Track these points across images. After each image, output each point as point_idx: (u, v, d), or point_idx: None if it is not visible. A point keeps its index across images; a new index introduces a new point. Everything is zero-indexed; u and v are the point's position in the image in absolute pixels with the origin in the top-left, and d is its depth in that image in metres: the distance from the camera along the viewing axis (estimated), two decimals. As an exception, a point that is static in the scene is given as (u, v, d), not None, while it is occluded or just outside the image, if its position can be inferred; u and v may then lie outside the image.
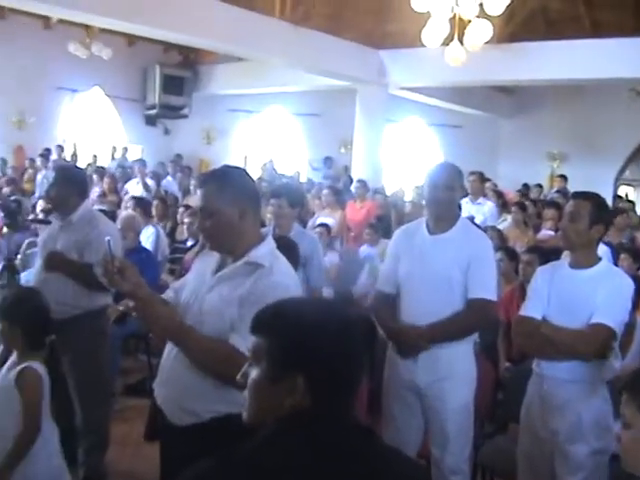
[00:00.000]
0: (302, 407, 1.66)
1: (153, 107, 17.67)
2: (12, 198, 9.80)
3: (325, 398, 1.67)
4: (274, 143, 19.19)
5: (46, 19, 15.19)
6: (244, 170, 3.00)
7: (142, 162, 13.40)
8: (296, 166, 17.93)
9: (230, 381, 2.54)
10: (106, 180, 12.01)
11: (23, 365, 3.32)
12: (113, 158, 16.16)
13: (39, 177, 12.75)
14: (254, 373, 1.74)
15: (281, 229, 5.01)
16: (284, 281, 2.74)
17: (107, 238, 2.75)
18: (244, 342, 2.46)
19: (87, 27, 13.87)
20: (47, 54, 15.13)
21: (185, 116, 18.08)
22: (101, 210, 6.10)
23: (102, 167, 13.86)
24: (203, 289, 2.83)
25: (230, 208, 2.75)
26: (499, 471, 4.24)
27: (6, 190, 11.22)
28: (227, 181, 2.81)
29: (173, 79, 17.48)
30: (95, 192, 11.13)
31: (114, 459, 4.81)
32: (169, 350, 2.89)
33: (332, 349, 1.67)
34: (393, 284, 3.92)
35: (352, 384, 1.74)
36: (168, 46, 17.06)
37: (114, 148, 16.59)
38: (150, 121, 18.23)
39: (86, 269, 4.31)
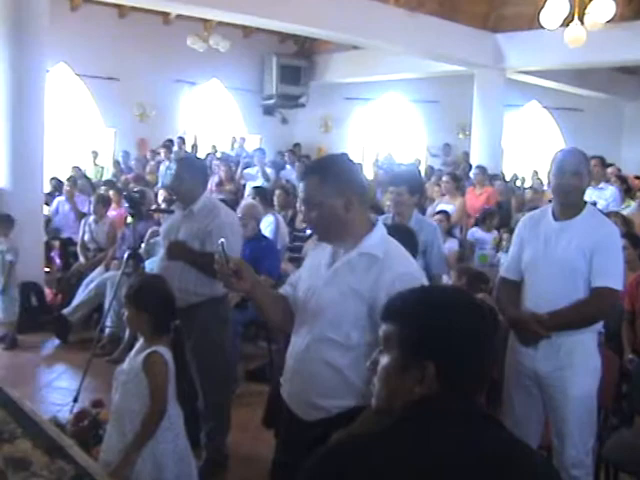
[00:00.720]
0: (431, 394, 1.66)
1: (271, 97, 17.86)
2: (136, 189, 10.14)
3: (454, 386, 1.67)
4: (392, 130, 19.15)
5: (165, 15, 15.63)
6: (348, 158, 2.94)
7: (261, 151, 13.59)
8: (415, 153, 17.84)
9: None
10: (223, 169, 12.28)
11: (150, 350, 3.42)
12: (232, 148, 16.45)
13: (162, 168, 13.13)
14: (384, 360, 1.75)
15: (401, 217, 5.00)
16: (407, 271, 2.70)
17: (220, 240, 2.73)
18: None
19: (204, 21, 14.19)
20: (167, 49, 15.50)
21: (302, 105, 18.19)
22: (221, 200, 6.22)
23: (225, 153, 14.18)
24: (319, 282, 2.81)
25: (334, 199, 2.71)
26: (624, 466, 4.07)
27: (132, 185, 11.63)
28: (329, 172, 2.76)
29: (290, 69, 17.63)
30: (213, 181, 11.41)
31: (235, 442, 4.91)
32: (293, 346, 2.90)
33: (463, 337, 1.67)
34: (517, 271, 3.85)
35: (481, 373, 1.73)
36: (284, 36, 17.26)
37: (234, 138, 16.88)
38: (268, 111, 18.41)
39: (207, 258, 4.39)
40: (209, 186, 10.91)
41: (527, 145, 19.05)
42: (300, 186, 2.87)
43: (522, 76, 15.10)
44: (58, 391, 6.07)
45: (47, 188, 10.45)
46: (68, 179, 11.21)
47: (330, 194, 2.72)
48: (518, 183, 14.81)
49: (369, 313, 2.63)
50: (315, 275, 2.87)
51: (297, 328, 2.90)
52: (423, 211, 7.72)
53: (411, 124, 19.25)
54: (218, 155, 14.88)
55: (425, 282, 2.80)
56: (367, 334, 2.63)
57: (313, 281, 2.86)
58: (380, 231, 2.82)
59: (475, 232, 8.56)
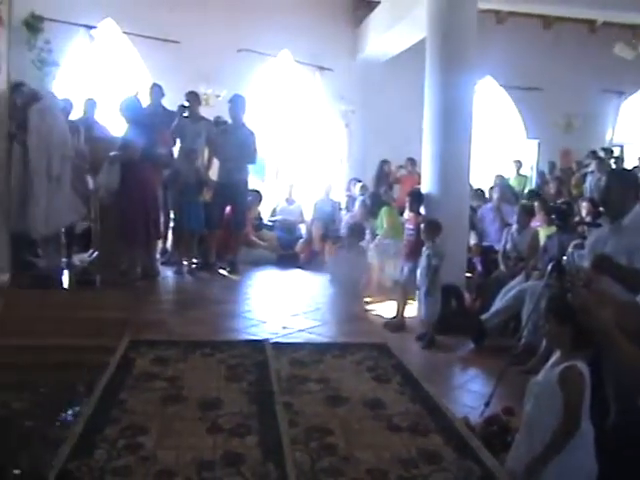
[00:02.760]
0: None
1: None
2: (562, 201, 10.04)
3: None
4: None
5: (591, 23, 15.33)
6: None
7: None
8: None
9: None
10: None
11: (567, 363, 3.35)
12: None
13: (587, 180, 12.87)
14: None
15: None
16: None
17: (574, 243, 2.81)
18: None
19: (633, 27, 13.63)
20: (592, 57, 15.10)
21: None
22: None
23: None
24: None
25: None
26: None
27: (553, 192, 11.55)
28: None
29: None
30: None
31: None
32: None
33: None
34: None
35: None
36: None
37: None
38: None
39: (634, 274, 4.20)
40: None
41: None
42: None
43: None
44: (470, 393, 6.18)
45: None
46: (491, 188, 11.46)
47: None
48: None
49: None
50: None
51: None
52: None
53: None
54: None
55: None
56: None
57: None
58: None
59: None
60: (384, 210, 10.01)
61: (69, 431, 4.32)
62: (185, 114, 9.75)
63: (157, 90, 9.56)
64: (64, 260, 8.94)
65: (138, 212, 7.79)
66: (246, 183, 9.38)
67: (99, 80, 11.98)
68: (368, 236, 10.08)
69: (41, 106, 7.91)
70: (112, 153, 8.23)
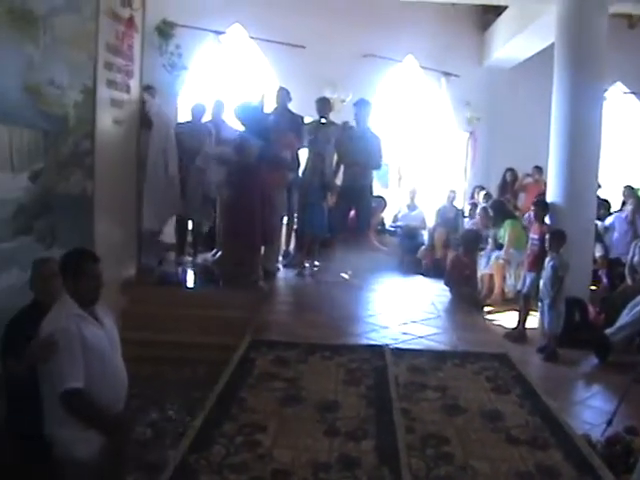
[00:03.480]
0: None
1: None
2: None
3: None
4: None
5: None
6: None
7: None
8: None
9: None
10: None
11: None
12: None
13: None
14: None
15: None
16: None
17: None
18: None
19: None
20: None
21: None
22: None
23: None
24: None
25: None
26: None
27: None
28: None
29: None
30: None
31: None
32: None
33: None
34: None
35: None
36: None
37: None
38: None
39: None
40: None
41: None
42: None
43: None
44: (591, 410, 6.03)
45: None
46: (623, 203, 11.15)
47: None
48: None
49: None
50: None
51: None
52: None
53: None
54: None
55: None
56: None
57: None
58: None
59: None
60: (508, 223, 9.80)
61: (190, 425, 4.48)
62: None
63: (284, 94, 9.69)
64: (189, 259, 9.21)
65: (254, 214, 7.89)
66: (370, 188, 9.40)
67: (227, 84, 12.25)
68: (490, 244, 9.94)
69: (156, 110, 8.25)
70: (219, 150, 8.45)
